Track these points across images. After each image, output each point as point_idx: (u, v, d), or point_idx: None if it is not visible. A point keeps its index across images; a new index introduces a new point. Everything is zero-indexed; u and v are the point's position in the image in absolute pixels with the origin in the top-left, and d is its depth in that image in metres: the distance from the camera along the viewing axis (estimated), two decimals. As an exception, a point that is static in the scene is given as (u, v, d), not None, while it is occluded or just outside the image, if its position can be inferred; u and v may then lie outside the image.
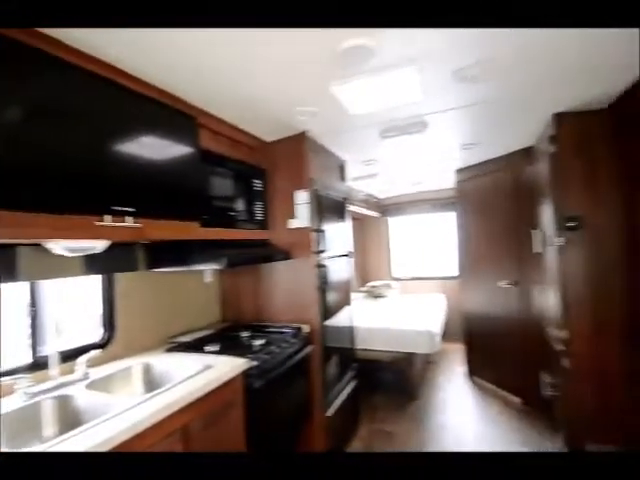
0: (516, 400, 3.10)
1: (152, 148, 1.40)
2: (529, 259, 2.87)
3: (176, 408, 1.22)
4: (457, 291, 3.87)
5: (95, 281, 1.70)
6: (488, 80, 1.63)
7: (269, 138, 2.28)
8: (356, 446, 2.57)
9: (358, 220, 5.65)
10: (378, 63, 1.44)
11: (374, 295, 5.08)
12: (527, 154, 2.80)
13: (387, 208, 5.53)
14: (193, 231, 1.62)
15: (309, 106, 1.81)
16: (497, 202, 3.20)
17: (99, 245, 1.33)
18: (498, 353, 3.29)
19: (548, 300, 2.48)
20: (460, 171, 3.63)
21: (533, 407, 2.92)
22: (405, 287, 5.45)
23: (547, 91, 1.81)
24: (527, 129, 2.43)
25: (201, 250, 1.68)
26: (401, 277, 5.65)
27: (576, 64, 1.53)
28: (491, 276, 3.29)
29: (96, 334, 1.69)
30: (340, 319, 2.67)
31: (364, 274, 5.80)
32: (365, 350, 3.27)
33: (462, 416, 2.95)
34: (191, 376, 1.41)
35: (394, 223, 5.74)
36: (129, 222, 1.29)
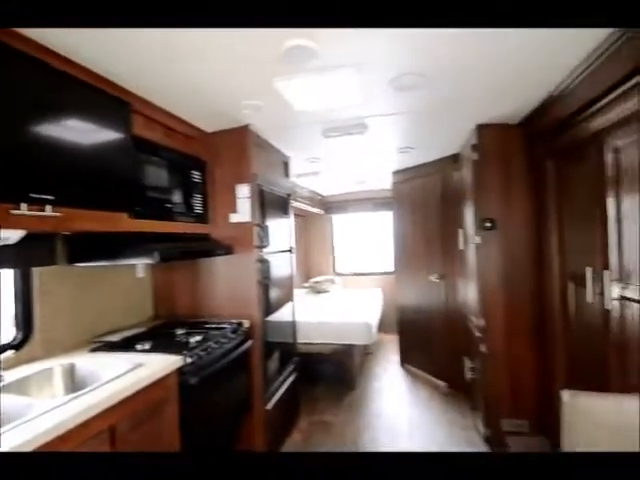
0: (443, 384, 3.38)
1: (79, 133, 1.30)
2: (455, 255, 3.15)
3: (102, 408, 1.16)
4: (394, 285, 4.10)
5: (8, 276, 1.54)
6: (421, 90, 1.76)
7: (210, 129, 2.21)
8: (295, 438, 2.63)
9: (302, 217, 5.71)
10: (320, 64, 1.48)
11: (317, 290, 5.18)
12: (455, 160, 3.05)
13: (331, 206, 5.66)
14: (122, 223, 1.52)
15: (253, 100, 1.80)
16: (428, 203, 3.45)
17: (14, 236, 1.21)
18: (427, 342, 3.56)
19: (469, 292, 2.74)
20: (396, 173, 3.84)
21: (457, 390, 3.21)
22: (347, 282, 5.64)
23: (471, 104, 2.00)
24: (455, 137, 2.65)
25: (131, 244, 1.59)
26: (344, 273, 5.84)
27: (495, 81, 1.71)
28: (422, 271, 3.54)
29: (9, 334, 1.53)
30: (282, 314, 2.70)
31: (308, 270, 5.88)
32: (307, 344, 3.34)
33: (395, 403, 3.15)
34: (119, 375, 1.34)
35: (338, 220, 5.89)
36: (48, 211, 1.19)
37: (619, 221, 1.52)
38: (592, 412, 1.07)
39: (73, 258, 1.73)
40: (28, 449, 0.93)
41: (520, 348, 2.34)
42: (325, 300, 4.62)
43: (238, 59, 1.40)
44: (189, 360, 1.59)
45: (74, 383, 1.53)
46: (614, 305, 1.57)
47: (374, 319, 3.75)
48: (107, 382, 1.28)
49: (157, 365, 1.46)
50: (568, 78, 1.59)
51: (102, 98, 1.40)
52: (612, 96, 1.43)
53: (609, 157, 1.56)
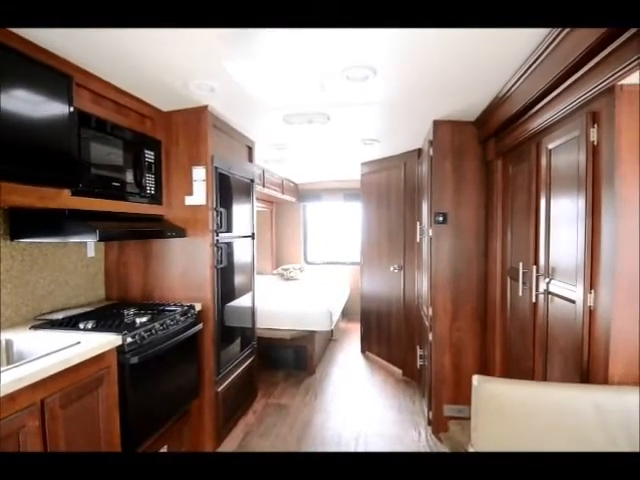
0: (398, 371, 3.51)
1: (13, 105, 1.26)
2: (413, 247, 3.25)
3: (29, 382, 1.16)
4: (359, 275, 4.19)
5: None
6: (374, 82, 1.78)
7: (165, 107, 2.17)
8: (249, 418, 2.69)
9: (274, 203, 5.70)
10: (268, 48, 1.48)
11: (286, 278, 5.23)
12: (419, 155, 3.12)
13: (304, 194, 5.67)
14: (61, 199, 1.49)
15: (204, 80, 1.77)
16: (392, 196, 3.52)
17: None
18: (386, 330, 3.68)
19: (423, 283, 2.84)
20: (364, 164, 3.89)
21: (410, 377, 3.35)
22: (316, 271, 5.70)
23: (426, 100, 2.04)
24: (417, 132, 2.70)
25: (71, 221, 1.57)
26: (314, 262, 5.90)
27: (447, 79, 1.75)
28: (384, 262, 3.63)
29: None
30: (241, 300, 2.72)
31: (279, 257, 5.91)
32: (269, 329, 3.39)
33: (351, 388, 3.26)
34: (53, 351, 1.33)
35: (311, 209, 5.92)
36: (-24, 184, 1.16)
37: (548, 221, 1.61)
38: (496, 397, 1.16)
39: (15, 234, 1.70)
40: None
41: (463, 337, 2.46)
42: (292, 287, 4.67)
43: (183, 35, 1.37)
44: (129, 340, 1.60)
45: (10, 359, 1.52)
46: (539, 298, 1.67)
47: (336, 307, 3.84)
48: (39, 357, 1.28)
49: (94, 343, 1.46)
50: (511, 80, 1.65)
51: (40, 69, 1.35)
52: (546, 100, 1.50)
53: (543, 159, 1.64)
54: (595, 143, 1.27)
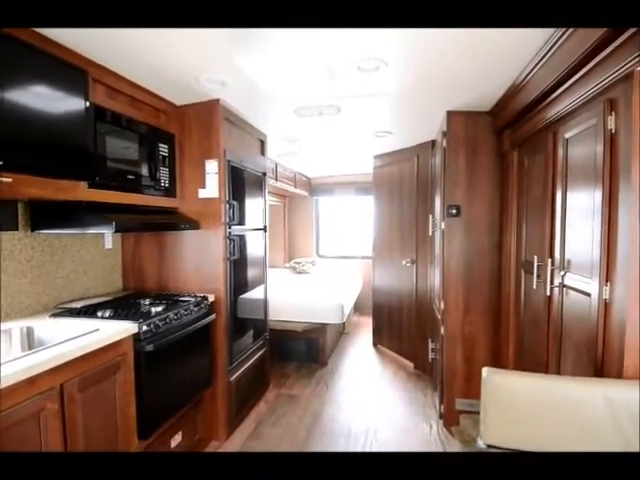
0: (410, 364, 3.51)
1: (31, 99, 1.30)
2: (425, 241, 3.22)
3: (49, 367, 1.21)
4: (371, 269, 4.18)
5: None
6: (386, 73, 1.76)
7: (179, 102, 2.20)
8: (261, 408, 2.74)
9: (287, 197, 5.72)
10: (279, 42, 1.48)
11: (297, 271, 5.26)
12: (433, 147, 3.08)
13: (316, 188, 5.67)
14: (78, 192, 1.54)
15: (215, 74, 1.79)
16: (405, 189, 3.49)
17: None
18: (398, 324, 3.67)
19: (436, 277, 2.82)
20: (377, 157, 3.86)
21: (423, 371, 3.34)
22: (328, 265, 5.71)
23: (440, 90, 2.01)
24: (431, 123, 2.66)
25: (88, 213, 1.62)
26: (326, 255, 5.91)
27: (461, 69, 1.72)
28: (397, 255, 3.61)
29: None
30: (253, 292, 2.76)
31: (291, 251, 5.94)
32: (281, 321, 3.43)
33: (362, 380, 3.27)
34: (72, 338, 1.39)
35: (323, 203, 5.92)
36: (-2, 176, 1.21)
37: (564, 212, 1.57)
38: (505, 389, 1.15)
39: (35, 225, 1.76)
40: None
41: (475, 331, 2.43)
42: (304, 280, 4.70)
43: (195, 30, 1.39)
44: (145, 328, 1.65)
45: (31, 345, 1.58)
46: (554, 292, 1.64)
47: (348, 300, 3.84)
48: (59, 343, 1.34)
49: (111, 331, 1.51)
50: (527, 67, 1.61)
51: (57, 65, 1.39)
52: (563, 87, 1.46)
53: (560, 149, 1.60)
54: (613, 131, 1.23)
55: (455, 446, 2.26)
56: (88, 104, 1.51)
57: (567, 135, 1.53)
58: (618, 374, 1.18)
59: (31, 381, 1.16)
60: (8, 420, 1.09)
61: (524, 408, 1.13)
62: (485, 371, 1.18)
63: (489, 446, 1.14)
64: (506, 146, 2.20)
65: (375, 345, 4.10)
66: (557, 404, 1.08)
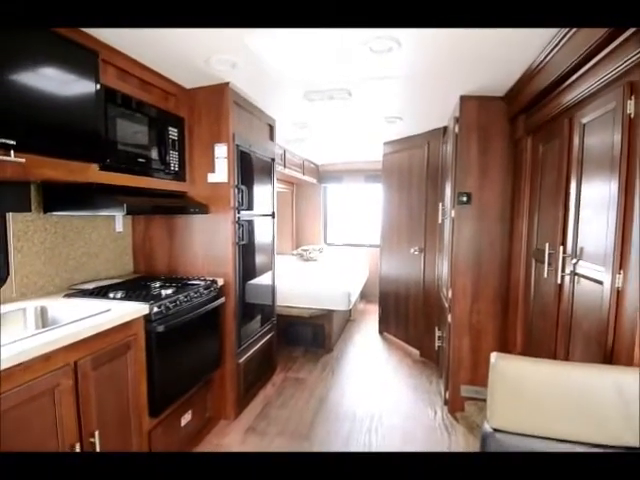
0: (415, 352, 3.53)
1: (42, 80, 1.30)
2: (434, 229, 3.20)
3: (63, 344, 1.24)
4: (378, 257, 4.17)
5: (-19, 220, 1.59)
6: (398, 55, 1.72)
7: (188, 85, 2.18)
8: (268, 390, 2.79)
9: (295, 184, 5.71)
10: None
11: (305, 258, 5.27)
12: (444, 133, 3.02)
13: (325, 175, 5.63)
14: (90, 173, 1.55)
15: (225, 55, 1.77)
16: (414, 176, 3.45)
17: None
18: (404, 312, 3.68)
19: (444, 265, 2.80)
20: (387, 144, 3.81)
21: (429, 358, 3.36)
22: (336, 252, 5.72)
23: (453, 73, 1.96)
24: (443, 109, 2.61)
25: (100, 194, 1.63)
26: (334, 243, 5.91)
27: (474, 51, 1.68)
28: (405, 243, 3.60)
29: (-17, 276, 1.61)
30: (261, 278, 2.78)
31: (299, 238, 5.95)
32: (288, 307, 3.46)
33: (368, 366, 3.30)
34: (85, 317, 1.42)
35: (331, 191, 5.89)
36: (12, 156, 1.22)
37: (578, 200, 1.54)
38: (513, 374, 1.15)
39: (48, 207, 1.79)
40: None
41: (483, 319, 2.43)
42: (311, 267, 4.72)
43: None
44: (156, 309, 1.68)
45: (45, 324, 1.62)
46: (565, 280, 1.62)
47: (354, 287, 3.86)
48: (72, 322, 1.37)
49: (123, 311, 1.54)
50: (544, 51, 1.56)
51: (67, 45, 1.39)
52: (582, 71, 1.41)
53: (576, 135, 1.56)
54: (632, 116, 1.19)
55: (459, 432, 2.28)
56: (99, 86, 1.51)
57: (584, 120, 1.49)
58: (628, 362, 1.17)
59: (46, 357, 1.20)
60: (26, 393, 1.12)
61: (531, 393, 1.13)
62: (493, 356, 1.18)
63: (495, 430, 1.15)
64: (520, 132, 2.15)
65: (381, 333, 4.12)
66: (565, 390, 1.08)
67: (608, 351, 1.28)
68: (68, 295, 1.79)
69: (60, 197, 1.74)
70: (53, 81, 1.34)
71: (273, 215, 2.94)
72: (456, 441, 2.19)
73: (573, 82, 1.50)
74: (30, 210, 1.70)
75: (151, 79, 1.93)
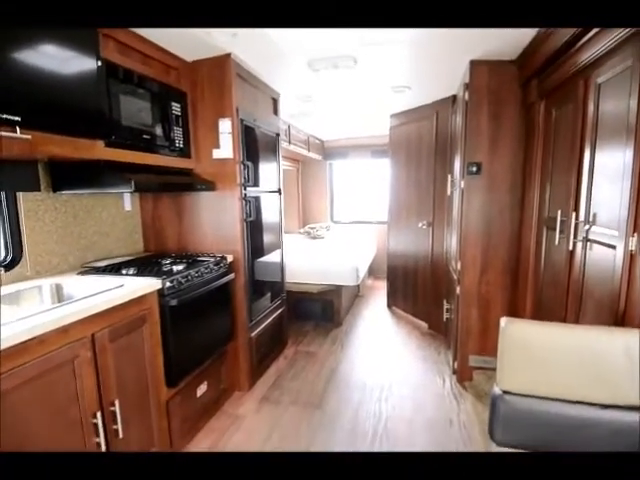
0: (424, 325, 3.57)
1: (42, 55, 1.28)
2: (443, 203, 3.16)
3: (80, 317, 1.27)
4: (386, 234, 4.16)
5: (-7, 200, 1.61)
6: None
7: (190, 57, 2.13)
8: (280, 363, 2.87)
9: (300, 161, 5.64)
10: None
11: (312, 236, 5.28)
12: (453, 102, 2.93)
13: (330, 152, 5.56)
14: (96, 150, 1.55)
15: (226, 25, 1.71)
16: (423, 148, 3.38)
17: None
18: (412, 286, 3.70)
19: (453, 238, 2.79)
20: (394, 116, 3.72)
21: (437, 331, 3.40)
22: (343, 230, 5.71)
23: (464, 36, 1.88)
24: (452, 76, 2.52)
25: (108, 171, 1.63)
26: (341, 221, 5.89)
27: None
28: (413, 217, 3.57)
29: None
30: (270, 256, 2.79)
31: (305, 216, 5.94)
32: (298, 283, 3.50)
33: (377, 339, 3.36)
34: (101, 291, 1.45)
35: (337, 167, 5.81)
36: (18, 133, 1.22)
37: (592, 163, 1.50)
38: (523, 338, 1.16)
39: (57, 186, 1.80)
40: (7, 345, 1.05)
41: (492, 290, 2.43)
42: (319, 245, 4.73)
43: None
44: (168, 284, 1.71)
45: (61, 299, 1.67)
46: (577, 246, 1.60)
47: (362, 263, 3.87)
48: (88, 296, 1.40)
49: (137, 286, 1.57)
50: (560, 6, 1.48)
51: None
52: (597, 28, 1.34)
53: (591, 97, 1.50)
54: (651, 72, 1.14)
55: (468, 400, 2.33)
56: (100, 61, 1.48)
57: (600, 80, 1.43)
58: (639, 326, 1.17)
59: (64, 330, 1.24)
60: (48, 363, 1.17)
61: (541, 355, 1.14)
62: (503, 320, 1.19)
63: (504, 392, 1.17)
64: (533, 97, 2.07)
65: (389, 307, 4.16)
66: (574, 352, 1.08)
67: (620, 316, 1.28)
68: (82, 273, 1.83)
69: (68, 175, 1.74)
70: (53, 57, 1.31)
71: (279, 192, 2.93)
72: (465, 409, 2.23)
73: (589, 40, 1.43)
74: (40, 189, 1.71)
75: (152, 52, 1.88)
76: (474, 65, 2.18)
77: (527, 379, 1.14)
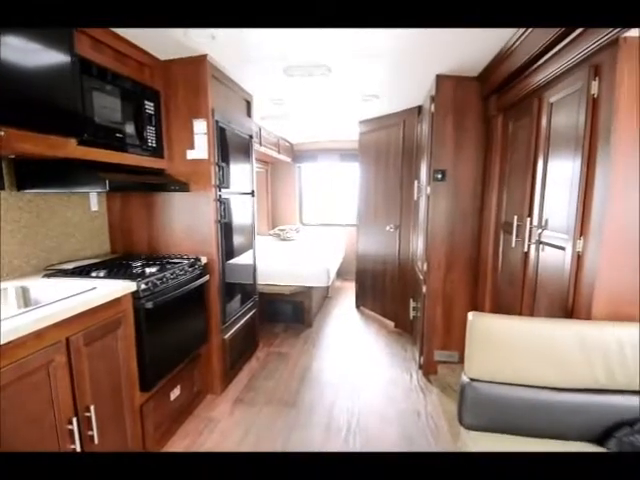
0: (391, 324, 3.71)
1: (14, 50, 1.23)
2: (409, 207, 3.33)
3: (54, 321, 1.23)
4: (354, 237, 4.27)
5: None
6: (378, 32, 1.75)
7: (163, 56, 2.10)
8: (253, 364, 2.87)
9: (270, 164, 5.65)
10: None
11: (282, 238, 5.30)
12: (419, 112, 3.10)
13: (299, 154, 5.61)
14: (68, 148, 1.49)
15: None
16: (390, 155, 3.53)
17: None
18: (380, 287, 3.84)
19: (419, 240, 2.94)
20: (362, 123, 3.85)
21: (403, 329, 3.55)
22: (312, 232, 5.78)
23: (430, 52, 2.02)
24: (418, 88, 2.68)
25: (80, 171, 1.58)
26: (310, 223, 5.96)
27: (452, 33, 1.73)
28: (381, 221, 3.71)
29: (-45, 257, 1.53)
30: (243, 257, 2.79)
31: (275, 218, 5.94)
32: (269, 285, 3.51)
33: (346, 338, 3.45)
34: (73, 295, 1.40)
35: (306, 170, 5.88)
36: (-11, 129, 1.17)
37: (545, 173, 1.68)
38: (489, 330, 1.28)
39: (22, 184, 1.71)
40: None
41: (456, 288, 2.60)
42: (289, 247, 4.76)
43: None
44: (143, 286, 1.68)
45: (27, 304, 1.58)
46: (531, 248, 1.78)
47: (332, 265, 3.96)
48: (61, 299, 1.35)
49: (111, 288, 1.53)
50: (516, 34, 1.65)
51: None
52: (551, 53, 1.51)
53: (544, 114, 1.68)
54: (595, 96, 1.31)
55: (434, 392, 2.47)
56: (74, 57, 1.43)
57: (552, 99, 1.61)
58: (587, 318, 1.33)
59: (38, 334, 1.19)
60: (22, 369, 1.12)
61: (505, 346, 1.26)
62: (471, 314, 1.30)
63: (472, 379, 1.28)
64: (492, 111, 2.26)
65: (358, 307, 4.28)
66: (535, 342, 1.22)
67: (569, 309, 1.44)
68: (47, 275, 1.75)
69: (34, 174, 1.66)
70: (25, 52, 1.26)
71: (252, 194, 2.94)
72: (431, 401, 2.37)
73: (542, 64, 1.61)
74: (3, 188, 1.62)
75: (126, 49, 1.84)
76: (440, 79, 2.33)
77: (492, 367, 1.27)
